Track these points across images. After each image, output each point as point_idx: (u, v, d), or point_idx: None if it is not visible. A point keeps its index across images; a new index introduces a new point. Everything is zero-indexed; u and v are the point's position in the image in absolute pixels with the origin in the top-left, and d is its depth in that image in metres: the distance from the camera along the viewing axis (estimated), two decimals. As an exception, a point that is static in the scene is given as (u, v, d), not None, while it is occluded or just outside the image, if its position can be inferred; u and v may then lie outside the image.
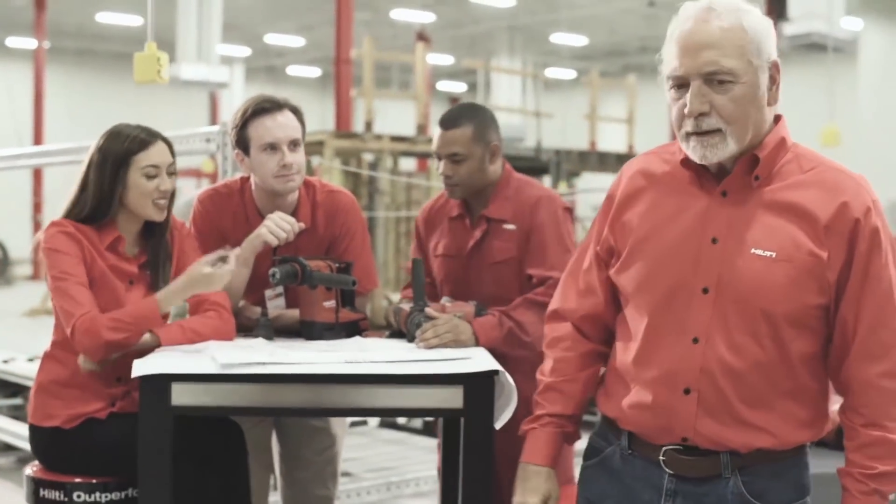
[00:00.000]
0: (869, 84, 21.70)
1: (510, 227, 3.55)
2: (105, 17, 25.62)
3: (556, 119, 20.42)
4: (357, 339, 3.37)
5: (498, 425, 2.90)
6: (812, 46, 15.64)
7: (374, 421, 7.06)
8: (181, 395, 2.82)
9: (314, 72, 33.55)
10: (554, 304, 2.52)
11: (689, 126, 2.20)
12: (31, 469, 3.37)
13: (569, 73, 30.88)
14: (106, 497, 3.25)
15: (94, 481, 3.25)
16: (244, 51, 28.89)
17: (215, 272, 3.14)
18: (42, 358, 3.37)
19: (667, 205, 2.29)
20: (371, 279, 3.63)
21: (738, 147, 2.21)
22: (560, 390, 2.44)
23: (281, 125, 3.47)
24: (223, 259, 3.18)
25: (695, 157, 2.22)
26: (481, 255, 3.60)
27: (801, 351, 2.24)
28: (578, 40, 27.20)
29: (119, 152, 3.23)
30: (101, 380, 3.24)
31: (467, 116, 3.56)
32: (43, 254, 3.19)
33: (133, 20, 25.62)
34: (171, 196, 3.32)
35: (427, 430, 7.09)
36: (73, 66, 29.19)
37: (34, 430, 3.32)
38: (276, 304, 3.56)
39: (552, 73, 30.33)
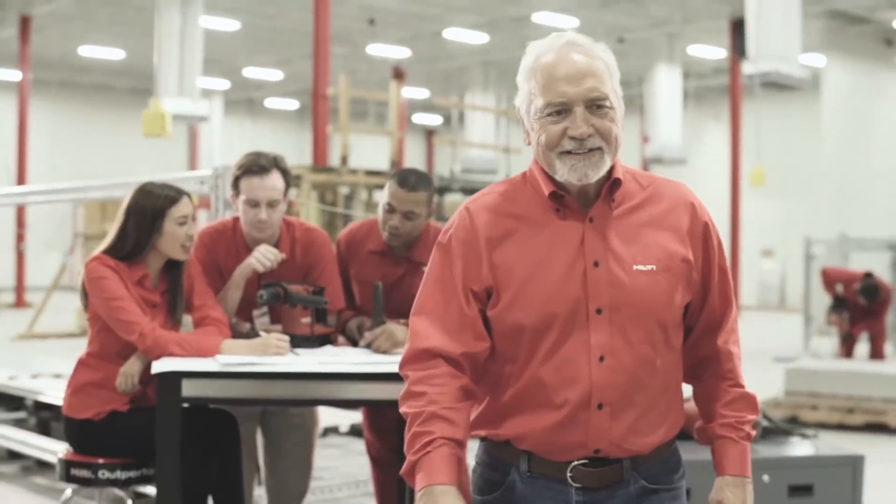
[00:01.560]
0: (831, 118, 22.38)
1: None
2: (87, 51, 26.41)
3: (529, 151, 21.22)
4: (328, 347, 4.25)
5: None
6: (770, 85, 16.18)
7: (345, 430, 7.87)
8: (189, 389, 3.69)
9: (292, 104, 34.34)
10: (419, 344, 2.41)
11: (570, 146, 2.34)
12: (62, 453, 4.22)
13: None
14: (125, 475, 4.12)
15: (116, 461, 4.11)
16: (223, 83, 29.66)
17: (272, 344, 3.99)
18: (76, 364, 4.23)
19: (541, 238, 2.40)
20: (339, 300, 4.49)
21: (609, 164, 2.39)
22: (445, 417, 2.34)
23: (265, 187, 4.30)
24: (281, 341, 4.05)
25: (572, 177, 2.36)
26: (401, 290, 4.45)
27: (678, 346, 2.50)
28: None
29: (157, 207, 4.10)
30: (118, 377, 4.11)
31: (424, 185, 4.42)
32: (90, 283, 4.06)
33: (115, 53, 26.42)
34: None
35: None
36: (56, 97, 29.87)
37: (69, 421, 4.18)
38: (262, 321, 4.42)
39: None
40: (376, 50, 25.41)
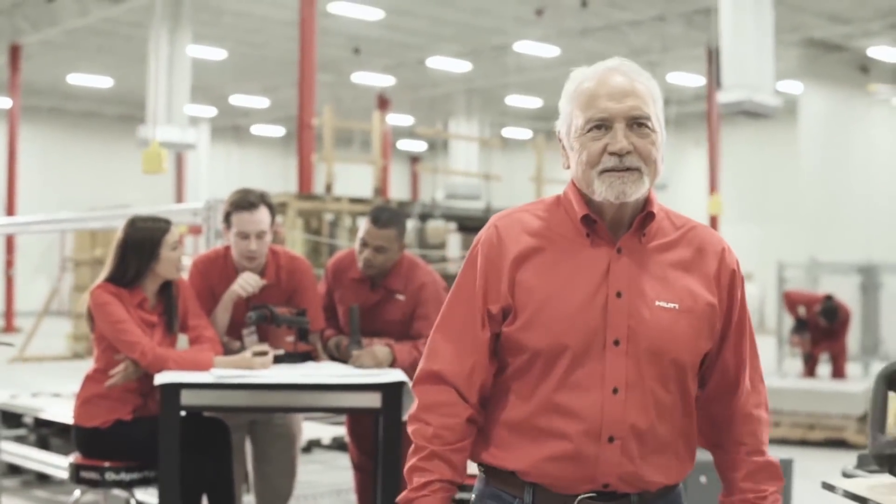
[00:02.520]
0: (808, 144, 22.94)
1: (401, 297, 5.02)
2: (76, 79, 26.96)
3: (512, 177, 21.88)
4: (309, 362, 4.81)
5: (404, 417, 4.32)
6: (744, 113, 16.54)
7: (327, 442, 8.40)
8: (188, 398, 4.24)
9: (278, 131, 34.91)
10: (432, 365, 2.46)
11: (609, 162, 2.32)
12: (73, 458, 4.76)
13: (525, 133, 32.48)
14: (129, 476, 4.67)
15: (121, 465, 4.66)
16: (210, 111, 30.22)
17: (256, 360, 4.56)
18: (84, 380, 4.78)
19: (566, 262, 2.39)
20: (319, 321, 5.06)
21: (648, 188, 2.37)
22: (446, 459, 2.39)
23: (253, 221, 4.87)
24: (264, 353, 4.61)
25: (610, 195, 2.34)
26: (377, 314, 5.04)
27: (692, 393, 2.45)
28: (533, 102, 28.85)
29: (154, 238, 4.68)
30: (128, 393, 4.65)
31: (394, 223, 5.01)
32: (95, 308, 4.62)
33: (103, 81, 26.98)
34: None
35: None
36: (45, 123, 30.42)
37: (79, 429, 4.72)
38: (251, 339, 4.97)
39: (509, 132, 31.96)
40: (361, 78, 26.03)
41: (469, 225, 17.22)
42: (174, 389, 4.21)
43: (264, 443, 5.21)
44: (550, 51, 22.58)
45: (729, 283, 2.45)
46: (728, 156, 26.05)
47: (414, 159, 37.53)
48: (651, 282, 2.38)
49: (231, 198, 4.94)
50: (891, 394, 2.88)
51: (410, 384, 3.42)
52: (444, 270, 15.63)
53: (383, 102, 26.81)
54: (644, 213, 2.40)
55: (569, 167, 2.46)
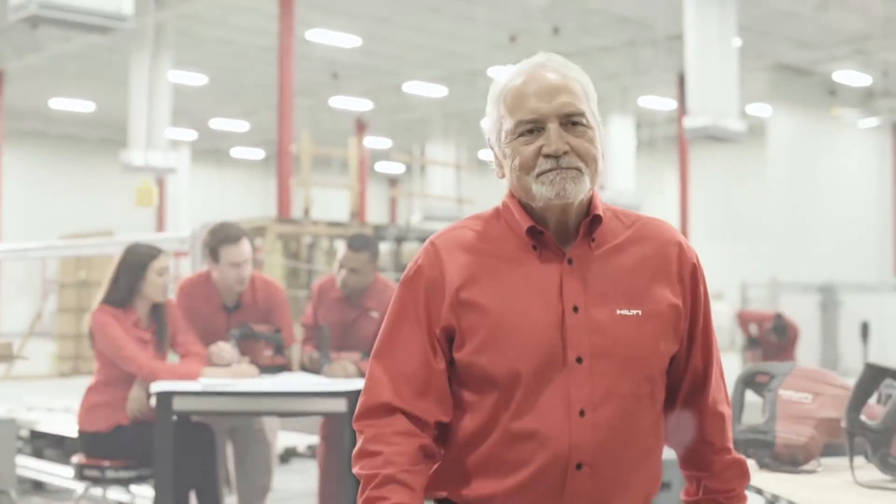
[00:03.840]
0: (776, 166, 23.62)
1: (375, 314, 5.77)
2: (58, 104, 27.65)
3: (489, 199, 22.45)
4: (284, 373, 5.55)
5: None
6: (709, 138, 17.23)
7: (302, 450, 9.13)
8: (179, 403, 4.97)
9: (258, 153, 35.60)
10: (377, 397, 2.24)
11: (545, 165, 2.18)
12: (77, 458, 5.47)
13: (503, 155, 33.24)
14: (127, 474, 5.38)
15: (119, 464, 5.37)
16: (191, 134, 30.91)
17: (239, 371, 5.31)
18: (87, 391, 5.49)
19: (514, 279, 2.23)
20: (292, 338, 5.80)
21: (590, 188, 2.22)
22: (401, 481, 2.18)
23: (241, 252, 5.60)
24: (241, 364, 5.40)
25: (549, 193, 2.18)
26: (354, 329, 5.80)
27: (661, 402, 2.31)
28: (508, 124, 29.66)
29: (142, 262, 5.40)
30: (126, 402, 5.38)
31: (367, 247, 5.77)
32: (96, 328, 5.34)
33: (85, 106, 27.67)
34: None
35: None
36: (28, 146, 31.02)
37: (82, 433, 5.44)
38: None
39: (486, 154, 32.72)
40: (339, 102, 26.79)
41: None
42: (167, 396, 4.93)
43: (244, 446, 5.92)
44: (524, 76, 23.31)
45: (691, 279, 2.31)
46: (699, 177, 26.86)
47: (393, 181, 38.27)
48: (609, 290, 2.22)
49: (216, 234, 5.67)
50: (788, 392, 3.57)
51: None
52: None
53: (361, 126, 27.56)
54: (590, 218, 2.25)
55: (503, 176, 2.31)
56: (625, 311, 2.22)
